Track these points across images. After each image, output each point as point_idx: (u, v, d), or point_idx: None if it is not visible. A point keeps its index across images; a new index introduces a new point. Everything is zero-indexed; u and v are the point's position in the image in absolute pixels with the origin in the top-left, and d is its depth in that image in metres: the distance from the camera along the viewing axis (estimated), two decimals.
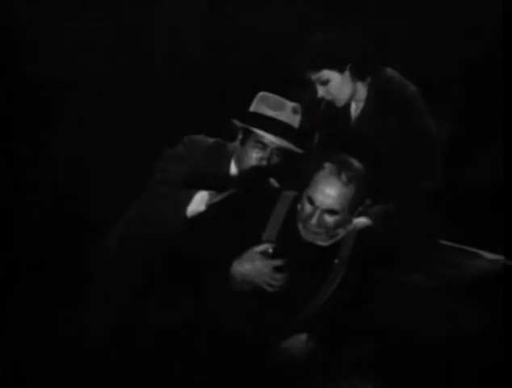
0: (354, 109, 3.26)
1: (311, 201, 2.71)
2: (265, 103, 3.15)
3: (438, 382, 2.77)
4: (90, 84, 4.25)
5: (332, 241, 2.77)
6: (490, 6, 4.24)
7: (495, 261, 3.20)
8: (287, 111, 3.14)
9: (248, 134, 3.16)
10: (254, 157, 3.15)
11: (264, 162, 3.15)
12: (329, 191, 2.68)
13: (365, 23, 4.33)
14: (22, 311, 3.18)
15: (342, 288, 2.75)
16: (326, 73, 3.12)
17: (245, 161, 3.18)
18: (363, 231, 2.86)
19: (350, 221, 2.77)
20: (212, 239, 2.79)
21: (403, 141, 3.11)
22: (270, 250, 2.76)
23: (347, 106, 3.26)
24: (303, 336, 2.70)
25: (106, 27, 4.38)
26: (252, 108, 3.19)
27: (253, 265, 2.73)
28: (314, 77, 3.14)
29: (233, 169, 3.24)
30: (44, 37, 4.21)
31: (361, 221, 2.92)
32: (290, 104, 3.15)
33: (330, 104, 3.25)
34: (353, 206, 2.72)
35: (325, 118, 3.36)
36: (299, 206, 2.77)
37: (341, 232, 2.77)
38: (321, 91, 3.17)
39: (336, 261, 2.77)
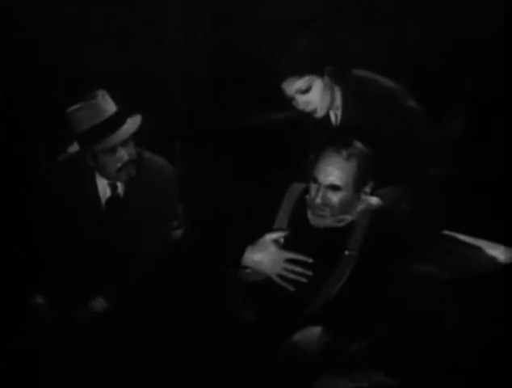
0: (334, 119, 3.21)
1: (315, 180, 2.76)
2: (82, 118, 3.02)
3: (450, 373, 2.73)
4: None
5: (342, 224, 2.76)
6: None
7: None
8: (104, 107, 3.03)
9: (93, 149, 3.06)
10: (113, 162, 3.06)
11: (126, 157, 3.06)
12: (330, 168, 2.73)
13: (372, 25, 4.37)
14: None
15: (353, 279, 2.72)
16: (308, 80, 3.02)
17: (108, 168, 3.09)
18: (377, 213, 2.83)
19: (355, 205, 2.77)
20: (222, 232, 2.79)
21: (391, 132, 3.04)
22: (282, 240, 2.74)
23: (327, 117, 3.19)
24: (317, 329, 2.68)
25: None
26: (78, 129, 3.05)
27: (267, 253, 2.73)
28: (294, 88, 3.03)
29: (102, 185, 3.17)
30: (46, 33, 4.20)
31: (374, 201, 2.88)
32: (97, 101, 3.02)
33: (311, 121, 3.17)
34: (357, 184, 2.75)
35: (309, 131, 3.31)
36: (307, 196, 2.80)
37: (349, 218, 2.77)
38: (300, 103, 3.07)
39: (347, 253, 2.75)
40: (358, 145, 2.77)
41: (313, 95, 3.06)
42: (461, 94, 4.38)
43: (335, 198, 2.75)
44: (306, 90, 3.05)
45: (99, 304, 3.10)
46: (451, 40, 4.45)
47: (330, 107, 3.14)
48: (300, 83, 3.03)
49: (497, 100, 4.09)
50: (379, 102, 3.06)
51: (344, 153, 2.73)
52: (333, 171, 2.73)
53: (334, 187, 2.74)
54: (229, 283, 2.74)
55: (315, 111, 3.10)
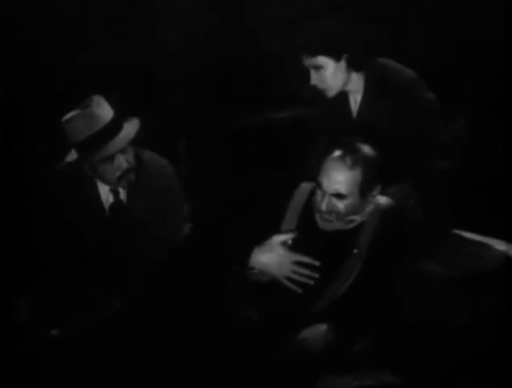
0: (354, 103, 3.23)
1: (319, 186, 2.72)
2: (77, 127, 2.97)
3: (454, 372, 2.73)
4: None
5: (351, 225, 2.75)
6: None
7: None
8: (99, 115, 2.98)
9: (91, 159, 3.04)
10: (112, 171, 3.04)
11: (125, 165, 3.03)
12: (334, 175, 2.69)
13: (372, 25, 4.36)
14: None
15: (360, 279, 2.72)
16: (321, 60, 3.06)
17: (107, 177, 3.07)
18: (387, 213, 2.82)
19: (363, 207, 2.75)
20: (223, 232, 2.79)
21: (407, 123, 3.07)
22: (290, 242, 2.72)
23: (346, 100, 3.22)
24: (322, 327, 2.67)
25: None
26: (73, 139, 3.01)
27: (275, 255, 2.71)
28: (308, 62, 3.08)
29: (104, 190, 3.15)
30: (46, 33, 4.20)
31: (383, 201, 2.86)
32: (92, 108, 2.97)
33: (329, 102, 3.19)
34: (363, 190, 2.72)
35: (326, 116, 3.31)
36: (314, 198, 2.78)
37: (357, 218, 2.75)
38: (313, 79, 3.10)
39: (355, 251, 2.75)
40: (365, 149, 2.72)
41: (325, 74, 3.08)
42: (461, 94, 4.38)
43: (340, 205, 2.72)
44: (318, 67, 3.07)
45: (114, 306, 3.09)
46: (451, 40, 4.46)
47: (344, 89, 3.15)
48: (314, 60, 3.06)
49: (497, 100, 4.09)
50: (400, 90, 3.08)
51: (348, 160, 2.69)
52: (338, 179, 2.69)
53: (339, 196, 2.71)
54: (231, 283, 2.74)
55: (326, 89, 3.13)
